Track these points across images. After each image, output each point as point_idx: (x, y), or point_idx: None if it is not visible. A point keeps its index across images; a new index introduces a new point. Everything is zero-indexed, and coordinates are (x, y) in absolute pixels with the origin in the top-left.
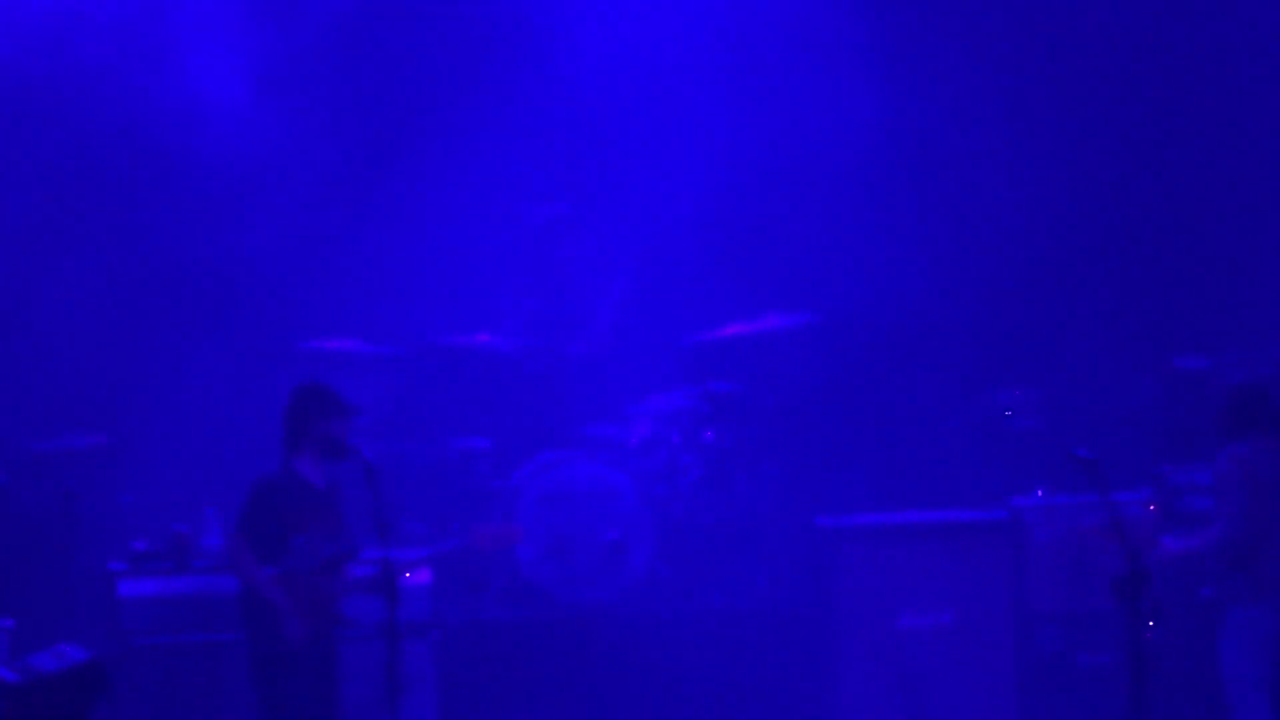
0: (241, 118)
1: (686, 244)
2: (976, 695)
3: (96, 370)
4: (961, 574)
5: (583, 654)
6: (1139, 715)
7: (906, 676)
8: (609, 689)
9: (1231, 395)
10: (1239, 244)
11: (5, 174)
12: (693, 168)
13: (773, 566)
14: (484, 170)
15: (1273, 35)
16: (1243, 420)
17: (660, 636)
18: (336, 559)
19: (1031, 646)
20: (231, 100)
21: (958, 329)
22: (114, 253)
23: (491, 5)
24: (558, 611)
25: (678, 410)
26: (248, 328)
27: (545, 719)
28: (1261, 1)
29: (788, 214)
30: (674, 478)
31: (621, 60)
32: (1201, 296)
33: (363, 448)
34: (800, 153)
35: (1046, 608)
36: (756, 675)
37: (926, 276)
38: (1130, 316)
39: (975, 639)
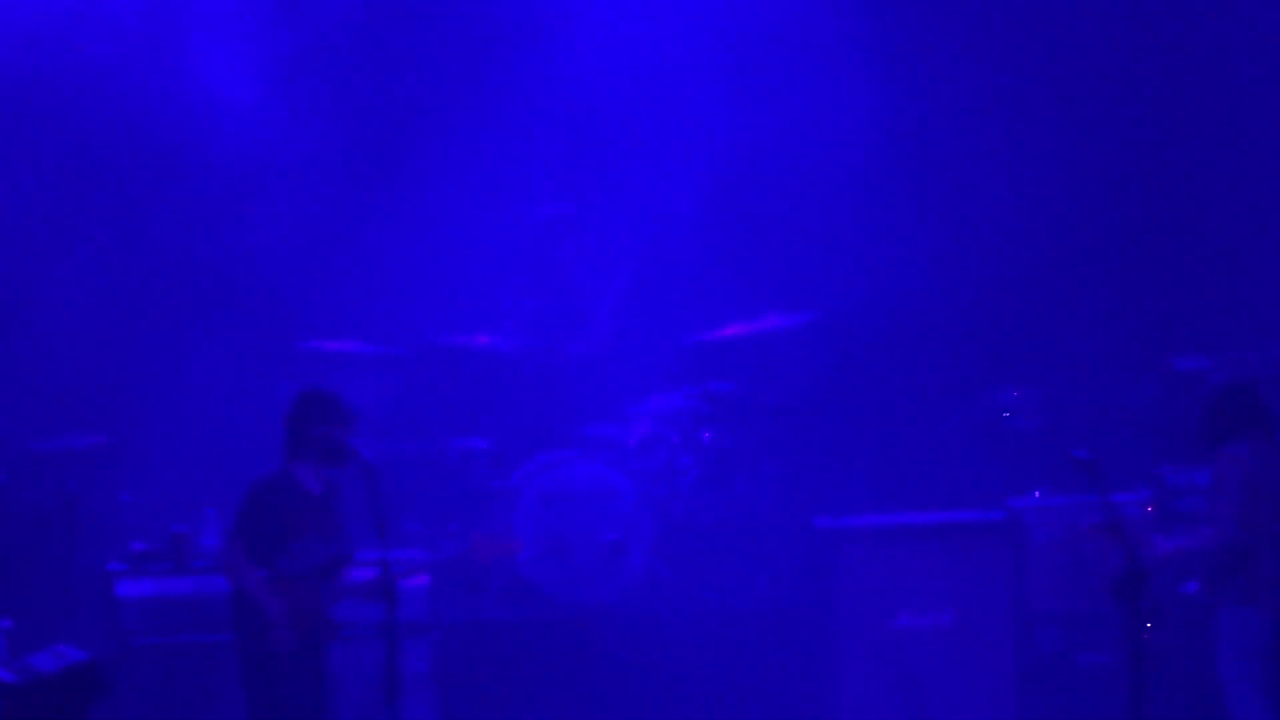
0: (240, 119)
1: (686, 244)
2: (976, 696)
3: (96, 370)
4: (961, 574)
5: (582, 654)
6: (1138, 715)
7: (906, 677)
8: (608, 689)
9: (1223, 396)
10: (1238, 245)
11: (5, 174)
12: (692, 167)
13: (772, 567)
14: (483, 170)
15: (1273, 35)
16: (1238, 421)
17: (659, 637)
18: (329, 564)
19: (1031, 647)
20: (231, 101)
21: (957, 329)
22: (114, 252)
23: (491, 6)
24: (557, 612)
25: (677, 410)
26: (248, 328)
27: (545, 719)
28: (1261, 1)
29: (787, 214)
30: (673, 478)
31: (621, 60)
32: (1200, 297)
33: (362, 448)
34: (800, 153)
35: (1046, 608)
36: (756, 676)
37: (925, 277)
38: (1129, 317)
39: (974, 639)
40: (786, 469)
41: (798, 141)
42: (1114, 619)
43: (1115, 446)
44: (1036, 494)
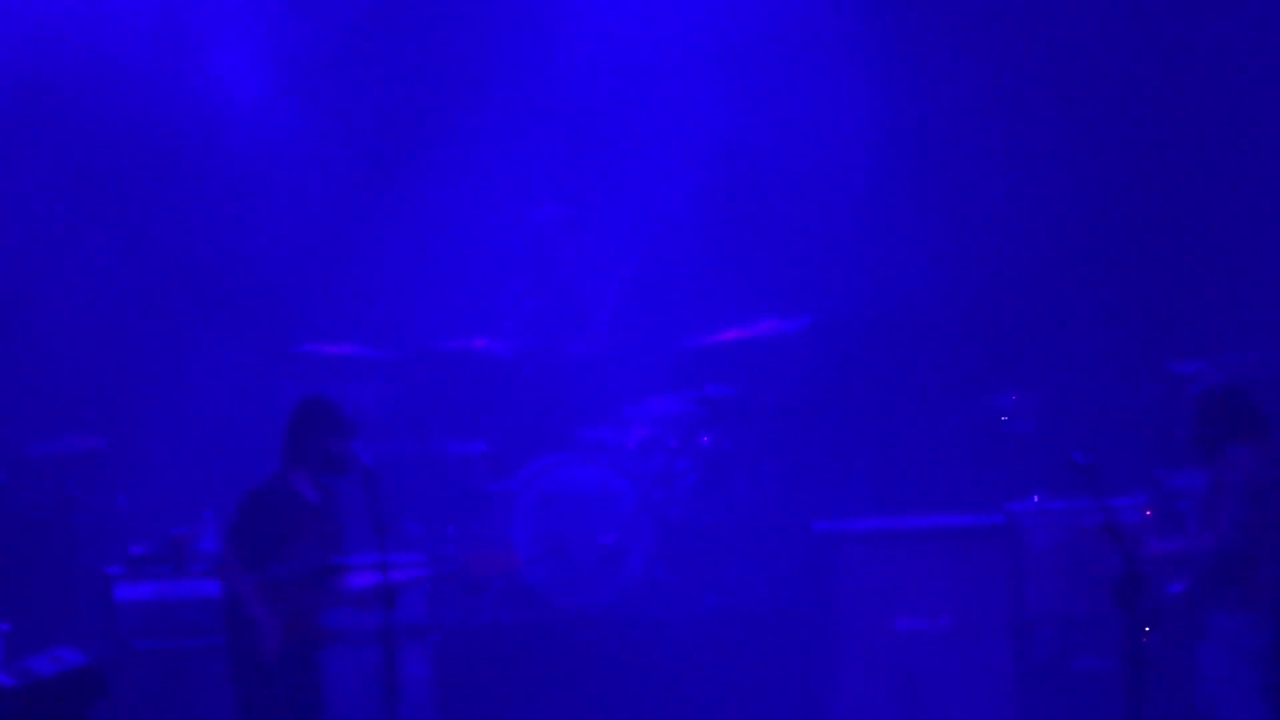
0: (239, 123)
1: (684, 246)
2: (974, 699)
3: (94, 373)
4: (959, 578)
5: (581, 657)
6: (1136, 718)
7: (904, 680)
8: (607, 692)
9: (1218, 400)
10: (1235, 248)
11: (3, 176)
12: (690, 170)
13: (770, 570)
14: (481, 173)
15: (1272, 37)
16: (1235, 425)
17: (658, 640)
18: (322, 572)
19: (1029, 650)
20: (229, 106)
21: (955, 332)
22: (113, 255)
23: (489, 9)
24: (555, 614)
25: (675, 413)
26: (246, 330)
27: None
28: (1261, 2)
29: (785, 217)
30: (671, 481)
31: (619, 62)
32: (1198, 300)
33: (361, 451)
34: (798, 155)
35: (1044, 611)
36: (754, 679)
37: (923, 280)
38: (1127, 320)
39: (973, 642)
40: (785, 472)
41: (796, 144)
42: (1112, 622)
43: (1113, 450)
44: (1035, 497)
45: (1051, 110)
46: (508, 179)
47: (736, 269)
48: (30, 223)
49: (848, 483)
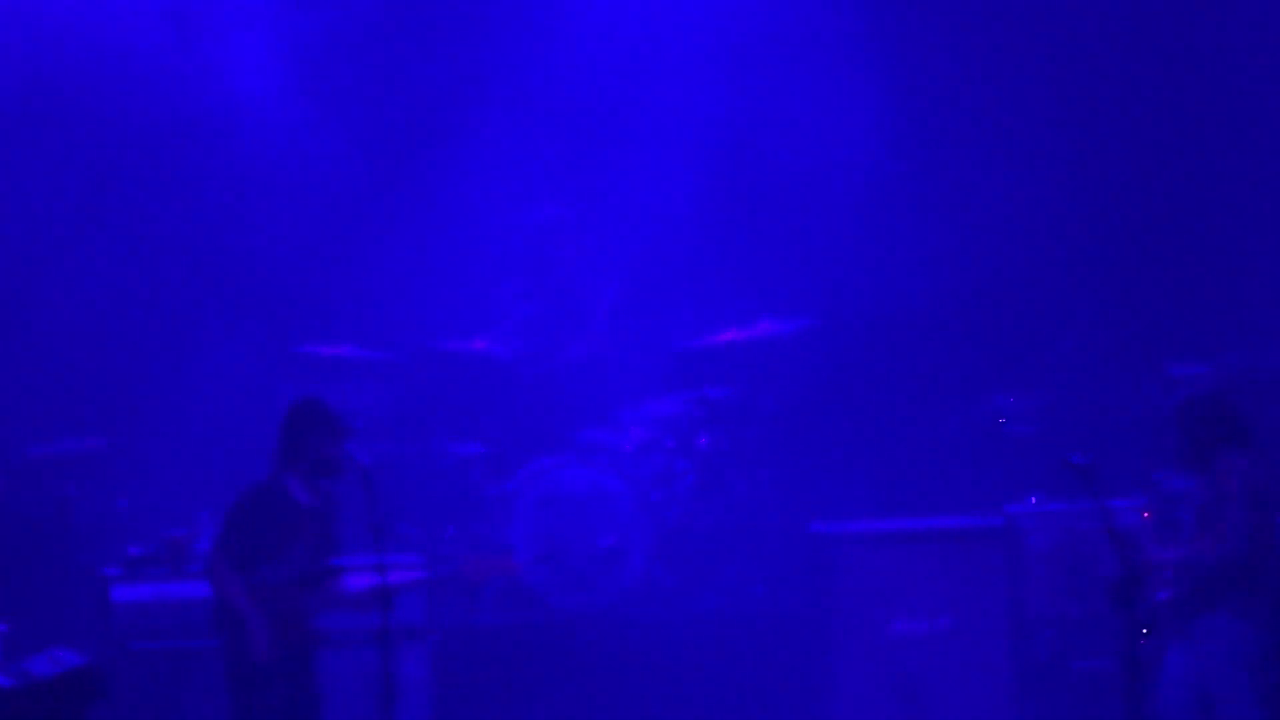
0: (236, 127)
1: (682, 248)
2: (972, 701)
3: (92, 375)
4: (957, 580)
5: (579, 659)
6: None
7: (902, 682)
8: (605, 694)
9: (1208, 407)
10: (1234, 250)
11: (3, 177)
12: (688, 172)
13: (769, 572)
14: (480, 175)
15: (1271, 40)
16: (1230, 431)
17: (656, 642)
18: (315, 575)
19: (1027, 652)
20: (228, 109)
21: (953, 334)
22: (111, 256)
23: (486, 11)
24: (554, 616)
25: (673, 415)
26: (245, 332)
27: None
28: (1261, 4)
29: (783, 218)
30: (670, 483)
31: (617, 64)
32: (1197, 303)
33: (359, 453)
34: (796, 157)
35: (1042, 613)
36: (753, 681)
37: (922, 282)
38: (1125, 323)
39: (971, 645)
40: (783, 474)
41: (794, 145)
42: (1110, 624)
43: (1112, 452)
44: (1033, 499)
45: (1051, 112)
46: (506, 181)
47: (734, 270)
48: (29, 224)
49: (846, 484)
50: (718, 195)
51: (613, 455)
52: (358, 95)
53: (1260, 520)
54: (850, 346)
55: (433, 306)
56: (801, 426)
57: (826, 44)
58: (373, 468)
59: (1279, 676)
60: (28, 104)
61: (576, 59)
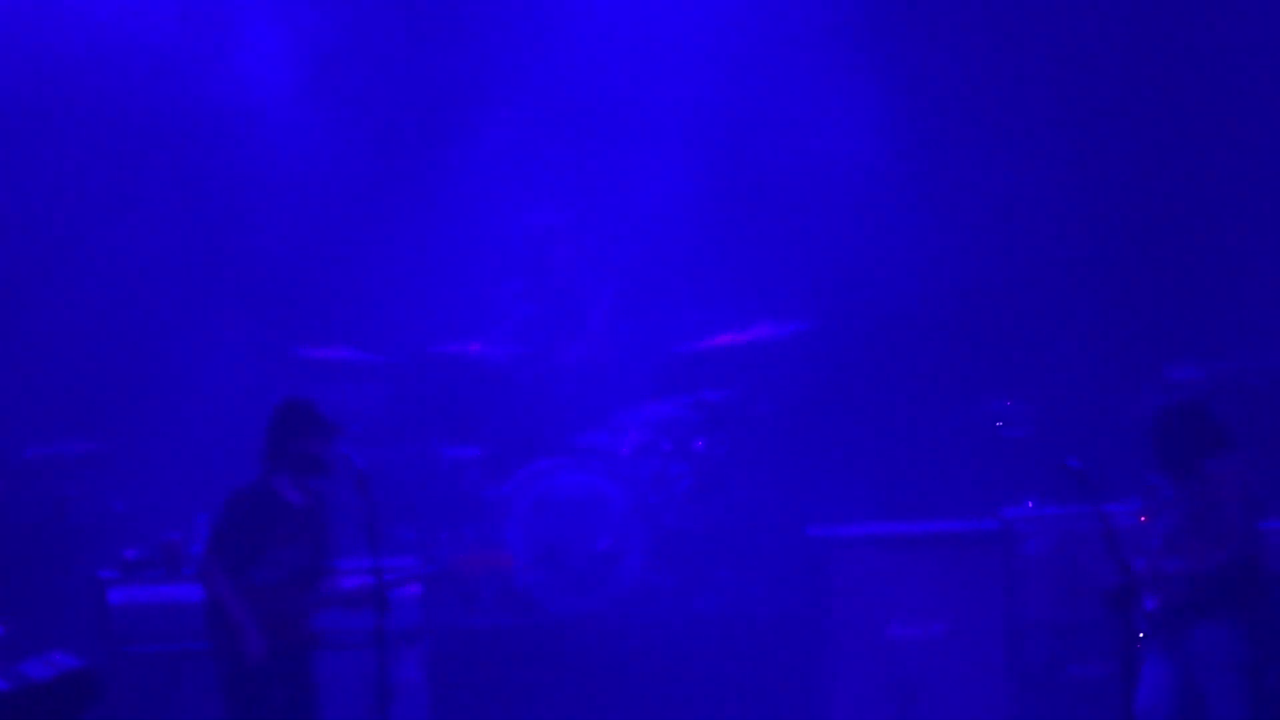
0: (233, 132)
1: (678, 251)
2: (968, 705)
3: (89, 377)
4: (953, 584)
5: (575, 663)
6: None
7: (898, 686)
8: (601, 697)
9: (1190, 416)
10: (1231, 254)
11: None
12: (684, 175)
13: (765, 575)
14: (476, 178)
15: (1270, 45)
16: (1216, 437)
17: (653, 645)
18: (307, 575)
19: (1023, 657)
20: (225, 115)
21: (950, 338)
22: (107, 260)
23: (484, 14)
24: (550, 620)
25: (670, 419)
26: (243, 335)
27: None
28: (1261, 6)
29: (780, 222)
30: (666, 486)
31: (613, 68)
32: (1194, 307)
33: (354, 456)
34: (794, 160)
35: (1038, 618)
36: (749, 684)
37: (918, 285)
38: (1122, 327)
39: (967, 649)
40: (779, 477)
41: (792, 148)
42: (1106, 629)
43: (1108, 456)
44: (1029, 503)
45: (1049, 115)
46: (503, 184)
47: (731, 273)
48: (27, 227)
49: (843, 488)
50: (714, 199)
51: (609, 458)
52: (354, 99)
53: (1254, 522)
54: (847, 350)
55: (429, 309)
56: (798, 430)
57: (821, 49)
58: (368, 471)
59: (1270, 681)
60: (27, 104)
61: (573, 63)
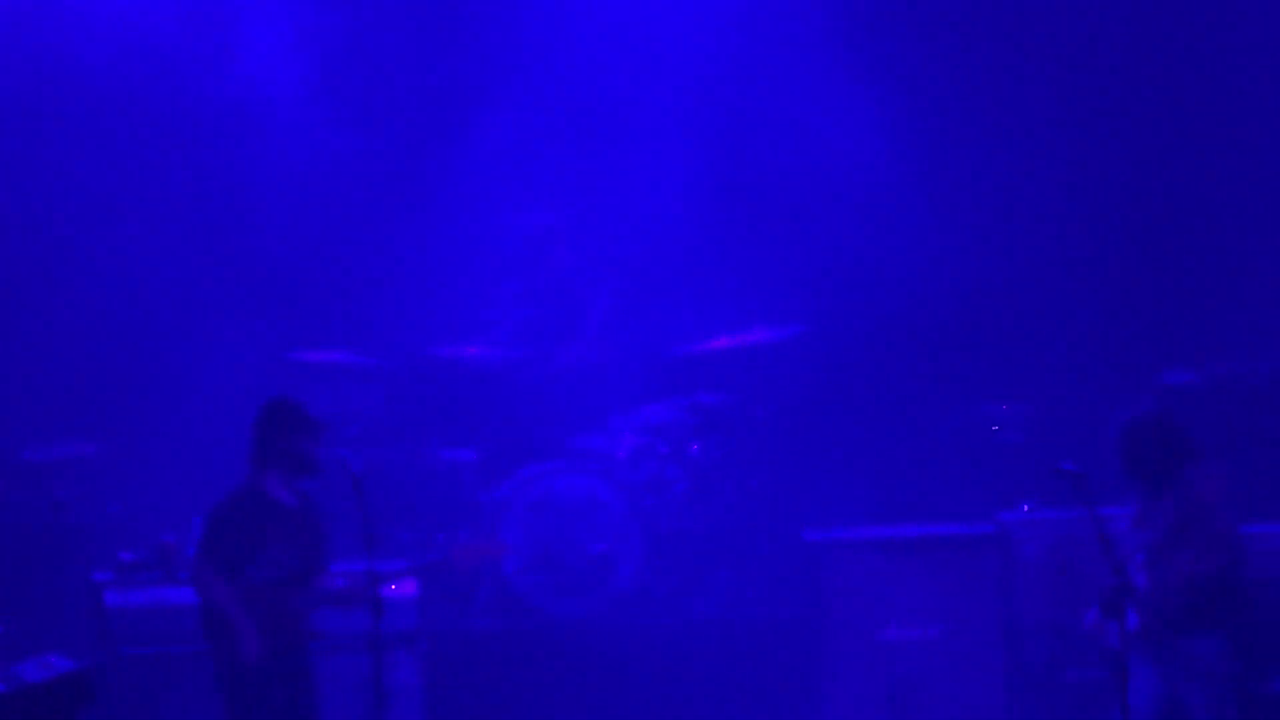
0: (231, 135)
1: (674, 255)
2: (964, 708)
3: (86, 380)
4: (949, 587)
5: (570, 666)
6: None
7: (893, 689)
8: (597, 701)
9: (1154, 430)
10: (1228, 259)
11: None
12: (680, 178)
13: (760, 579)
14: (474, 180)
15: (1269, 48)
16: (1182, 449)
17: (648, 648)
18: (301, 574)
19: (1019, 660)
20: (223, 118)
21: (945, 342)
22: (106, 262)
23: (483, 15)
24: (545, 623)
25: (665, 422)
26: (239, 338)
27: None
28: (1261, 6)
29: (776, 225)
30: (662, 489)
31: (610, 71)
32: (1190, 311)
33: (349, 457)
34: (791, 163)
35: (1034, 621)
36: (745, 688)
37: (914, 289)
38: (1118, 331)
39: (963, 652)
40: (775, 481)
41: (789, 152)
42: (1101, 633)
43: (1104, 460)
44: (1025, 507)
45: (1047, 119)
46: (501, 186)
47: (727, 277)
48: (26, 228)
49: (839, 491)
50: (710, 202)
51: (605, 462)
52: (354, 101)
53: (1236, 529)
54: (843, 353)
55: (426, 313)
56: (794, 433)
57: (819, 55)
58: (364, 473)
59: (1253, 688)
60: (29, 104)
61: (571, 66)
